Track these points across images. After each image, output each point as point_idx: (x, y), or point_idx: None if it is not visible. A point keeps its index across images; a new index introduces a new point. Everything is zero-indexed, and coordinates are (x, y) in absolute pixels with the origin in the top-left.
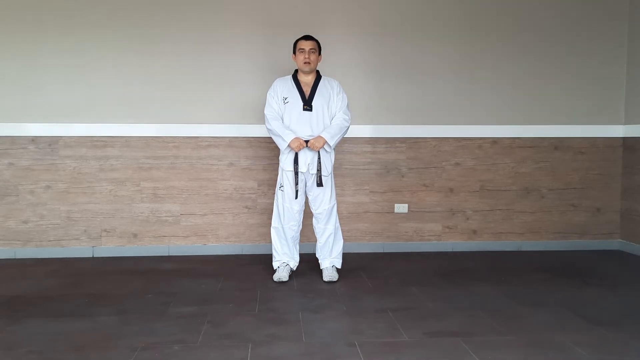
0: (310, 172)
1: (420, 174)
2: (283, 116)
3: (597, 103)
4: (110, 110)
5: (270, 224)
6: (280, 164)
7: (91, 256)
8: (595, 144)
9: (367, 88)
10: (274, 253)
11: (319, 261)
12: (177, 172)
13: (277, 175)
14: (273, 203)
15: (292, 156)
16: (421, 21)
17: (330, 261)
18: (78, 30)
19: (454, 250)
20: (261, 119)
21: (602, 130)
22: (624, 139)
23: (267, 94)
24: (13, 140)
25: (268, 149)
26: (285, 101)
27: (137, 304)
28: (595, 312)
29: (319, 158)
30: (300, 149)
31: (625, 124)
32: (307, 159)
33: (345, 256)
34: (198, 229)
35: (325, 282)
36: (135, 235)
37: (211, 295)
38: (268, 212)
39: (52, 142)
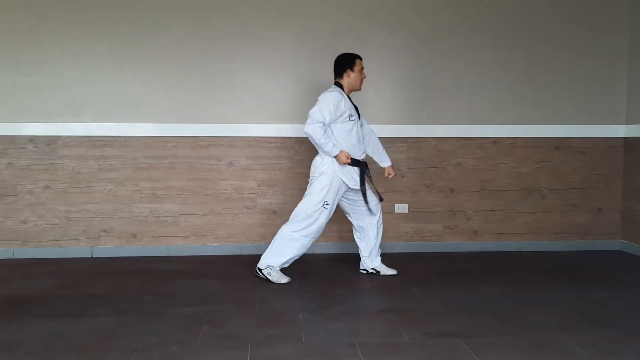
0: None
1: (420, 174)
2: (343, 133)
3: (598, 103)
4: (109, 110)
5: (270, 224)
6: (326, 180)
7: (90, 256)
8: (597, 144)
9: (367, 88)
10: (285, 258)
11: (368, 260)
12: (176, 172)
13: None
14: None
15: (355, 172)
16: (421, 21)
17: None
18: (77, 30)
19: (454, 251)
20: (261, 118)
21: (603, 130)
22: (625, 139)
23: (327, 101)
24: (12, 140)
25: (267, 148)
26: (352, 118)
27: (136, 305)
28: (596, 313)
29: (362, 172)
30: (345, 163)
31: (626, 124)
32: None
33: (345, 256)
34: (197, 229)
35: (388, 275)
36: (134, 236)
37: (211, 296)
38: (268, 212)
39: (51, 142)
